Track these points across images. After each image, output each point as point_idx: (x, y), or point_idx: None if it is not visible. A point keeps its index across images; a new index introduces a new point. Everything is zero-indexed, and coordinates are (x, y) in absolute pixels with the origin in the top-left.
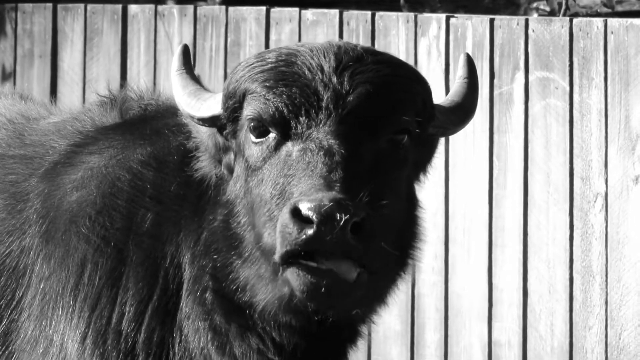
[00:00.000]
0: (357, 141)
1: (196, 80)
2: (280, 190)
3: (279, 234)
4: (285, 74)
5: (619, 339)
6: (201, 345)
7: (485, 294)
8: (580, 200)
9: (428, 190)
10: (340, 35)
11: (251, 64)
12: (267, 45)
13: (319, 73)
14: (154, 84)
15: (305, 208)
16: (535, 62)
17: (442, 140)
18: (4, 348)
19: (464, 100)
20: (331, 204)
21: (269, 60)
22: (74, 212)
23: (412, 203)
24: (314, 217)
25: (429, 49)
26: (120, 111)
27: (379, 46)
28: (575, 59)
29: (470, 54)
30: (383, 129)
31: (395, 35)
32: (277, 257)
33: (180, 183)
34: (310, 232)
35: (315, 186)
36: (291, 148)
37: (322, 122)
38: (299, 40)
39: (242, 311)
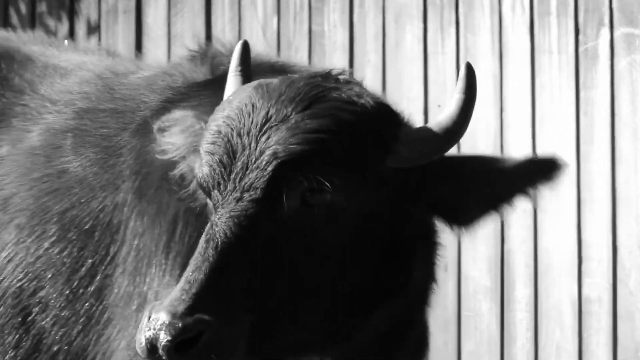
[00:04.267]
0: (256, 218)
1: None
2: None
3: None
4: (219, 135)
5: None
6: None
7: (575, 250)
8: None
9: (514, 147)
10: None
11: (220, 109)
12: (350, 2)
13: (243, 136)
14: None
15: (140, 335)
16: (620, 18)
17: (528, 96)
18: (98, 303)
19: (451, 123)
20: (158, 329)
21: (224, 112)
22: (166, 168)
23: (368, 268)
24: (140, 350)
25: (513, 5)
26: (210, 67)
27: (463, 3)
28: None
29: (555, 10)
30: (289, 194)
31: None
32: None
33: None
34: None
35: (171, 298)
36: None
37: (227, 198)
38: None
39: None
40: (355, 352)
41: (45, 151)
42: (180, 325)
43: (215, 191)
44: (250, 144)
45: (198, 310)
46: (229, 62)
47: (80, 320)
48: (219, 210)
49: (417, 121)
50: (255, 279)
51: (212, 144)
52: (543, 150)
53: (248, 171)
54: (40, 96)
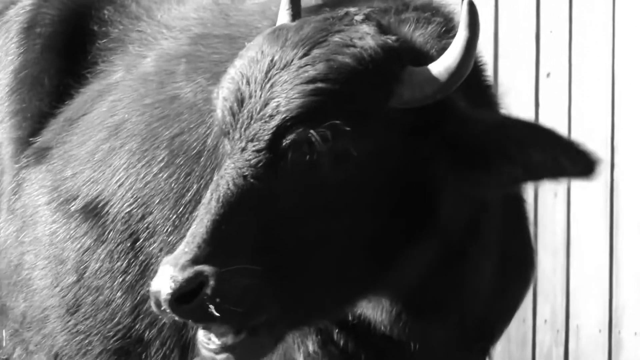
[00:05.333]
0: (259, 169)
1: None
2: None
3: None
4: (233, 81)
5: None
6: None
7: None
8: None
9: (626, 82)
10: None
11: (240, 54)
12: None
13: (251, 84)
14: None
15: (151, 286)
16: None
17: None
18: None
19: (454, 62)
20: (160, 283)
21: (241, 58)
22: None
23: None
24: (152, 303)
25: None
26: None
27: None
28: None
29: None
30: (293, 146)
31: None
32: None
33: None
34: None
35: (176, 252)
36: None
37: (234, 147)
38: None
39: None
40: (400, 295)
41: (158, 77)
42: (180, 278)
43: (226, 140)
44: (255, 92)
45: (199, 262)
46: None
47: None
48: (226, 160)
49: (530, 47)
50: (262, 232)
51: (226, 89)
52: None
53: (252, 121)
54: (157, 22)
